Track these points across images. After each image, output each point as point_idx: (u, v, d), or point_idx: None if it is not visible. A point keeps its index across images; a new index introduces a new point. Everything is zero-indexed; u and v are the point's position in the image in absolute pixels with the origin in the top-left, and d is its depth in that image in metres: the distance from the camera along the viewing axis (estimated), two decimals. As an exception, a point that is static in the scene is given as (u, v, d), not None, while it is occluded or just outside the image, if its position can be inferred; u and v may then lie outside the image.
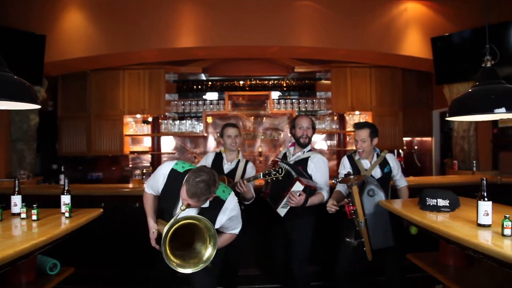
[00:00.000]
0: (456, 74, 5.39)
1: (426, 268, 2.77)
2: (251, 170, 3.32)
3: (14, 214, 2.75)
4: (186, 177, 2.18)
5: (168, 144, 7.04)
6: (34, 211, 2.55)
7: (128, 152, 6.68)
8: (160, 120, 6.70)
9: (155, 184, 2.51)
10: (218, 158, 3.40)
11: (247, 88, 7.05)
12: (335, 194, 3.18)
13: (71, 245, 3.06)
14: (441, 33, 5.39)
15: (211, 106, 6.73)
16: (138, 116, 6.67)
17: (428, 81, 6.80)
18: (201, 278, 2.50)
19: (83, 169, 6.76)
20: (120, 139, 6.44)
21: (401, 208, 2.75)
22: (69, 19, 5.20)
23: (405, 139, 6.89)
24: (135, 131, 6.77)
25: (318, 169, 3.15)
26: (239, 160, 3.35)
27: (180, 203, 2.24)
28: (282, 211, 3.00)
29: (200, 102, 6.73)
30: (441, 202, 2.57)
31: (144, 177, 5.83)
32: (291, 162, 3.22)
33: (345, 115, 6.78)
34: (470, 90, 2.63)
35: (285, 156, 3.38)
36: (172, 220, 2.13)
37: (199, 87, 7.06)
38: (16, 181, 2.81)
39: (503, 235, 1.93)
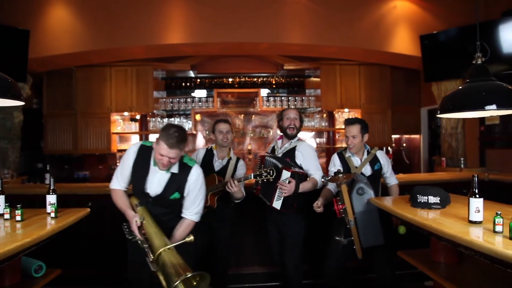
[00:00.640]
0: (444, 72, 5.44)
1: (417, 265, 2.77)
2: (242, 168, 3.29)
3: (-3, 215, 2.66)
4: (158, 137, 2.30)
5: (156, 142, 6.94)
6: (18, 212, 2.48)
7: (115, 151, 6.58)
8: (148, 118, 6.62)
9: (124, 169, 2.55)
10: (209, 154, 3.35)
11: (236, 86, 7.02)
12: (324, 193, 3.16)
13: (58, 246, 2.99)
14: (429, 31, 5.43)
15: (200, 103, 6.68)
16: (126, 113, 6.57)
17: (417, 78, 6.86)
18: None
19: (69, 168, 6.64)
20: (107, 137, 6.34)
21: (392, 206, 2.74)
22: (54, 13, 5.08)
23: (393, 136, 6.94)
24: (123, 129, 6.69)
25: (306, 156, 3.13)
26: (230, 158, 3.31)
27: (137, 217, 2.36)
28: (277, 204, 2.97)
29: (189, 100, 6.68)
30: (432, 199, 2.57)
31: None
32: (279, 155, 3.19)
33: (334, 112, 6.80)
34: (460, 87, 2.63)
35: (273, 150, 3.36)
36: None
37: (188, 84, 6.99)
38: (-1, 181, 2.72)
39: (494, 231, 1.93)
